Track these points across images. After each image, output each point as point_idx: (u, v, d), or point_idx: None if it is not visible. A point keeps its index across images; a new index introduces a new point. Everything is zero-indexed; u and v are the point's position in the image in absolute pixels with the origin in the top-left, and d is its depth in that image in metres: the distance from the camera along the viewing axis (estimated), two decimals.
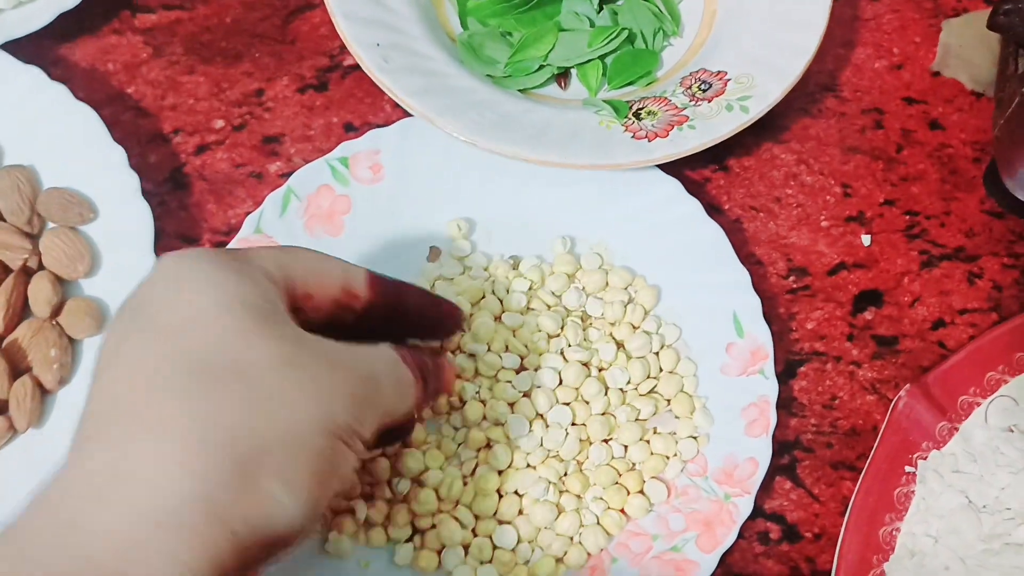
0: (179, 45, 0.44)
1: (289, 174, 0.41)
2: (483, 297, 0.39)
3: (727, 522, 0.35)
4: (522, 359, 0.37)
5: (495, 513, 0.35)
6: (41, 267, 0.38)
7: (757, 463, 0.36)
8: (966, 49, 0.47)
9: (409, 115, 0.41)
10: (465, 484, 0.35)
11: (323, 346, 0.26)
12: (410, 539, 0.35)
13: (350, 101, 0.44)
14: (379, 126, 0.43)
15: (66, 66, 0.43)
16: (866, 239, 0.42)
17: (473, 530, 0.35)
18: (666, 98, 0.41)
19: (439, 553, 0.35)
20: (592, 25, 0.43)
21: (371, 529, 0.35)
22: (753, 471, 0.36)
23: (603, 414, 0.37)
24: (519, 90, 0.42)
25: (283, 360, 0.25)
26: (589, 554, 0.35)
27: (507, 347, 0.38)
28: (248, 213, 0.41)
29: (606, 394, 0.37)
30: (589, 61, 0.42)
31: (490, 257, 0.40)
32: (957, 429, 0.36)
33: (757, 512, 0.37)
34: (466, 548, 0.35)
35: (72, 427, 0.36)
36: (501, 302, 0.39)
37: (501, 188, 0.41)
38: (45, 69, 0.40)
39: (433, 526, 0.35)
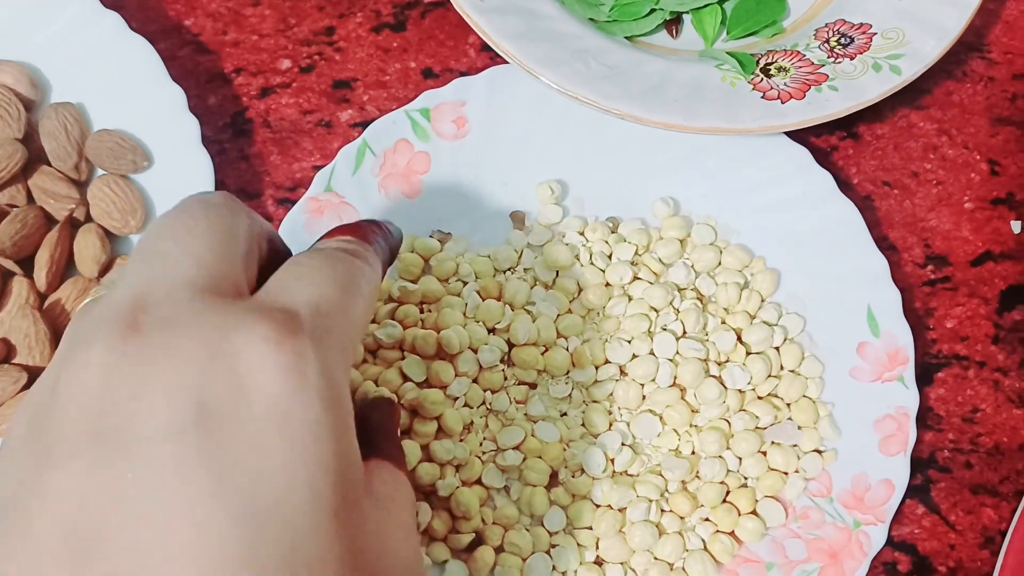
0: None
1: (361, 124, 0.35)
2: (573, 267, 0.32)
3: (856, 554, 0.28)
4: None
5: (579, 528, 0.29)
6: (88, 219, 0.32)
7: (893, 486, 0.29)
8: None
9: (498, 62, 0.34)
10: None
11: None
12: (471, 549, 0.29)
13: (430, 43, 0.37)
14: (462, 73, 0.36)
15: None
16: (1016, 225, 0.35)
17: (551, 542, 0.29)
18: (799, 52, 0.33)
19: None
20: None
21: (432, 543, 0.29)
22: (888, 496, 0.29)
23: (720, 420, 0.30)
24: (625, 37, 0.34)
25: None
26: None
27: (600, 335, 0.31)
28: (316, 167, 0.35)
29: (724, 400, 0.30)
30: (707, 6, 0.35)
31: (585, 221, 0.33)
32: None
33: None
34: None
35: None
36: (603, 272, 0.32)
37: (599, 149, 0.34)
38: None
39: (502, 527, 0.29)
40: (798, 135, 0.33)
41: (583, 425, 0.30)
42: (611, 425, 0.30)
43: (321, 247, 0.22)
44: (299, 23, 0.37)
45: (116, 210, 0.32)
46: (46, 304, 0.31)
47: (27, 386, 0.30)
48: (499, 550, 0.29)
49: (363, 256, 0.22)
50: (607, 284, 0.32)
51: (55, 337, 0.31)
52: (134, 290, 0.18)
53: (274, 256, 0.22)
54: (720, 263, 0.33)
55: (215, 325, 0.17)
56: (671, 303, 0.31)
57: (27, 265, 0.31)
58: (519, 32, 0.31)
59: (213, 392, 0.17)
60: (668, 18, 0.35)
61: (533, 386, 0.31)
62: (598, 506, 0.29)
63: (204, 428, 0.16)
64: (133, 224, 0.32)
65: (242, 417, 0.17)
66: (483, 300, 0.31)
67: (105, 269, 0.32)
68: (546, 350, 0.31)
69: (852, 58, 0.32)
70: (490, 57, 0.36)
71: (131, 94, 0.33)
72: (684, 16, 0.35)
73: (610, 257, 0.32)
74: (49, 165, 0.32)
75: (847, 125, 0.36)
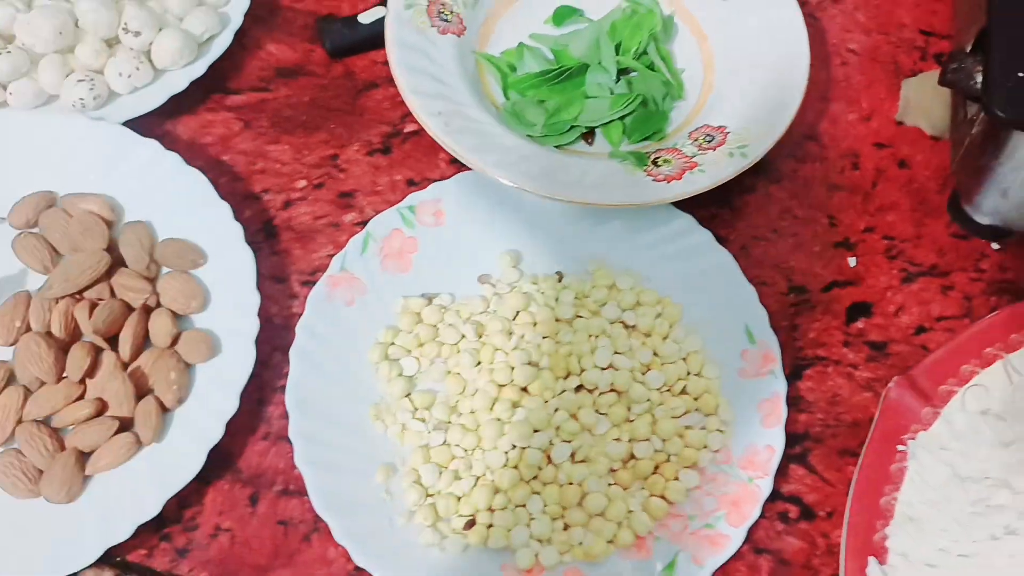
0: (265, 120, 0.48)
1: (362, 223, 0.45)
2: (529, 306, 0.42)
3: (751, 500, 0.38)
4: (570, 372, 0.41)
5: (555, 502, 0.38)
6: (159, 305, 0.42)
7: (774, 449, 0.39)
8: (924, 101, 0.51)
9: (462, 170, 0.45)
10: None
11: None
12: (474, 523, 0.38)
13: (410, 161, 0.48)
14: (435, 180, 0.47)
15: (171, 140, 0.47)
16: (852, 261, 0.46)
17: (531, 515, 0.38)
18: (678, 149, 0.45)
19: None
20: (612, 93, 0.47)
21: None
22: (770, 456, 0.38)
23: (647, 413, 0.40)
24: (555, 146, 0.46)
25: None
26: (636, 535, 0.38)
27: (560, 355, 0.41)
28: (330, 255, 0.45)
29: (648, 397, 0.40)
30: (611, 122, 0.47)
31: (537, 276, 0.44)
32: (940, 413, 0.39)
33: (776, 495, 0.39)
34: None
35: (190, 438, 0.39)
36: (552, 310, 0.42)
37: (542, 225, 0.45)
38: (164, 143, 0.44)
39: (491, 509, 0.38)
40: (689, 208, 0.45)
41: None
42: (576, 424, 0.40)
43: None
44: (310, 153, 0.48)
45: (181, 296, 0.41)
46: (129, 370, 0.40)
47: (118, 432, 0.38)
48: (489, 527, 0.37)
49: None
50: (556, 319, 0.42)
51: (138, 395, 0.39)
52: None
53: None
54: (638, 301, 0.43)
55: None
56: (604, 331, 0.41)
57: (112, 343, 0.40)
58: (477, 146, 0.43)
59: None
60: (584, 131, 0.47)
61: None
62: (563, 486, 0.38)
63: None
64: (195, 305, 0.41)
65: None
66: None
67: (174, 341, 0.40)
68: None
69: (715, 149, 0.44)
70: (456, 168, 0.48)
71: (189, 211, 0.43)
72: (596, 129, 0.47)
73: (557, 300, 0.42)
74: (127, 267, 0.42)
75: (725, 199, 0.47)
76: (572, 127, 0.46)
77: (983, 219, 0.45)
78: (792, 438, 0.41)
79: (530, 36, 0.49)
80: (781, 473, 0.40)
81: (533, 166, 0.43)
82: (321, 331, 0.41)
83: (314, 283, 0.43)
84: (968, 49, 0.44)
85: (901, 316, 0.44)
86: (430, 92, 0.44)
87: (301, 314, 0.42)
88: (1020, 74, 0.40)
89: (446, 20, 0.47)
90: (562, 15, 0.50)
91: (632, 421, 0.40)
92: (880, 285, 0.45)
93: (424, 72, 0.45)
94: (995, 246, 0.47)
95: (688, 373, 0.41)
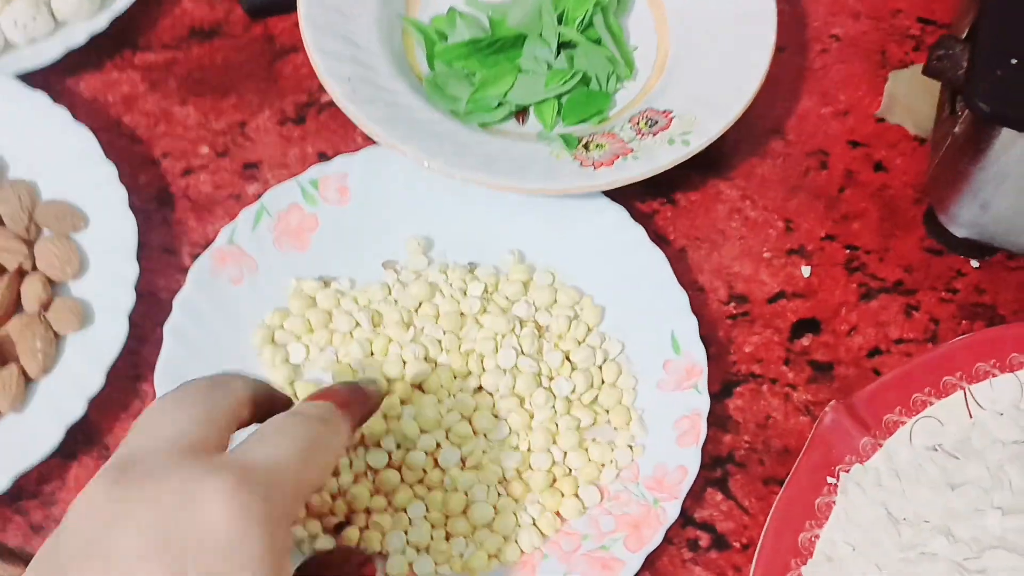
0: (173, 81, 0.49)
1: (262, 194, 0.45)
2: (434, 297, 0.42)
3: (654, 524, 0.36)
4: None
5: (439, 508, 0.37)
6: (34, 269, 0.42)
7: (686, 471, 0.37)
8: (911, 98, 0.50)
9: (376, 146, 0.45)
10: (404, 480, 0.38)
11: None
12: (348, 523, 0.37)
13: (324, 133, 0.48)
14: (347, 153, 0.47)
15: (70, 96, 0.48)
16: (806, 270, 0.45)
17: (410, 520, 0.37)
18: (614, 133, 0.44)
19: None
20: (549, 68, 0.47)
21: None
22: (682, 478, 0.37)
23: (549, 422, 0.39)
24: (480, 124, 0.46)
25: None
26: (523, 552, 0.37)
27: (461, 352, 0.40)
28: (223, 226, 0.45)
29: (553, 405, 0.39)
30: (545, 100, 0.46)
31: (446, 265, 0.43)
32: (881, 445, 0.38)
33: (688, 521, 0.38)
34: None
35: (50, 413, 0.39)
36: (458, 304, 0.41)
37: (457, 211, 0.44)
38: (51, 96, 0.44)
39: (368, 511, 0.37)
40: (625, 200, 0.44)
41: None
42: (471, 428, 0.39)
43: (300, 411, 0.30)
44: (217, 118, 0.48)
45: (57, 260, 0.42)
46: None
47: None
48: (363, 529, 0.37)
49: (332, 424, 0.29)
50: (461, 314, 0.41)
51: (2, 362, 0.39)
52: (127, 449, 0.27)
53: (270, 407, 0.30)
54: (555, 300, 0.42)
55: (185, 477, 0.25)
56: (512, 330, 0.41)
57: None
58: (387, 117, 0.43)
59: (177, 527, 0.24)
60: (515, 110, 0.46)
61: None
62: (448, 492, 0.38)
63: (169, 553, 0.24)
64: (70, 272, 0.42)
65: (198, 547, 0.24)
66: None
67: (45, 307, 0.41)
68: None
69: (655, 135, 0.44)
70: (370, 143, 0.47)
71: (73, 171, 0.43)
72: (529, 108, 0.47)
73: (465, 293, 0.42)
74: (4, 226, 0.42)
75: (666, 193, 0.46)
76: (501, 104, 0.46)
77: (960, 232, 0.44)
78: (713, 460, 0.40)
79: (465, 2, 0.49)
80: (695, 498, 0.39)
81: (446, 143, 0.42)
82: (201, 308, 0.41)
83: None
84: (963, 36, 0.43)
85: (854, 336, 0.43)
86: (341, 54, 0.44)
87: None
88: (1013, 60, 0.38)
89: None
90: None
91: (532, 430, 0.39)
92: (834, 300, 0.44)
93: (337, 32, 0.45)
94: (974, 264, 0.45)
95: (602, 382, 0.40)
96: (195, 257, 0.44)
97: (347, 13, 0.46)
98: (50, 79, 0.47)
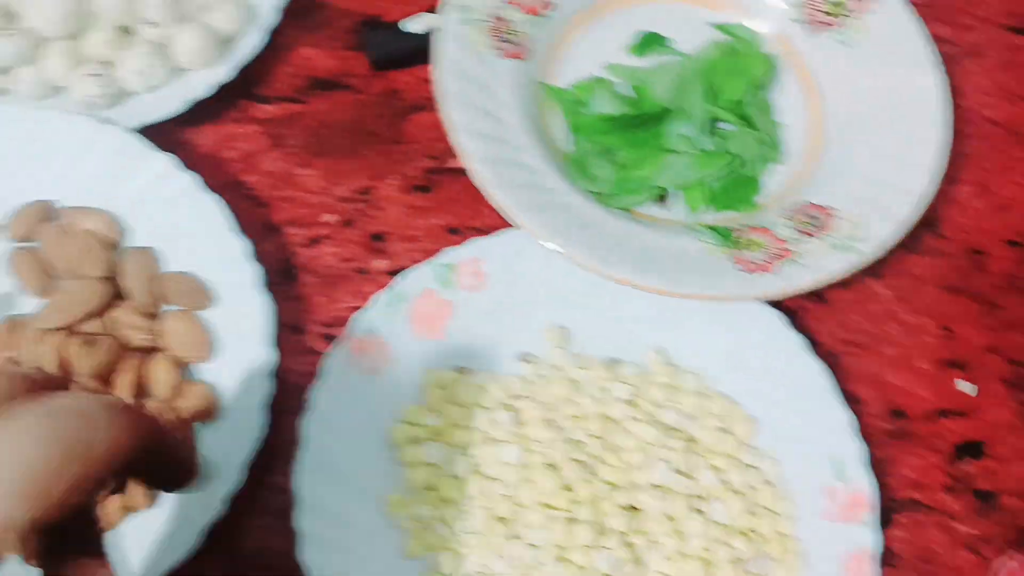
0: (296, 138, 0.46)
1: (393, 272, 0.43)
2: (576, 395, 0.39)
3: None
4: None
5: None
6: (160, 348, 0.39)
7: None
8: None
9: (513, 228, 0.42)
10: None
11: None
12: None
13: (453, 204, 0.45)
14: (479, 230, 0.44)
15: (189, 150, 0.45)
16: (968, 386, 0.42)
17: None
18: (768, 228, 0.41)
19: None
20: (697, 149, 0.44)
21: None
22: None
23: (703, 549, 0.37)
24: (622, 207, 0.43)
25: None
26: None
27: (607, 463, 0.38)
28: (354, 307, 0.42)
29: (707, 530, 0.37)
30: (691, 185, 0.43)
31: (585, 360, 0.41)
32: None
33: None
34: None
35: (185, 510, 0.37)
36: (603, 404, 0.39)
37: (597, 301, 0.42)
38: (174, 153, 0.42)
39: None
40: None
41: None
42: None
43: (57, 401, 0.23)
44: (342, 182, 0.45)
45: (188, 342, 0.39)
46: None
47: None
48: None
49: (89, 417, 0.22)
50: (606, 416, 0.39)
51: None
52: None
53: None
54: (704, 409, 0.40)
55: None
56: (661, 442, 0.38)
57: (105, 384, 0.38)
58: (530, 204, 0.40)
59: None
60: (660, 193, 0.44)
61: None
62: None
63: None
64: (200, 355, 0.39)
65: None
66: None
67: (175, 393, 0.38)
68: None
69: (816, 236, 0.41)
70: (503, 221, 0.44)
71: (201, 242, 0.41)
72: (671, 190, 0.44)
73: (607, 392, 0.39)
74: (127, 300, 0.40)
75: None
76: (646, 187, 0.43)
77: None
78: None
79: (606, 67, 0.46)
80: None
81: (594, 235, 0.40)
82: (339, 402, 0.39)
83: (334, 338, 0.41)
84: None
85: (1018, 464, 0.41)
86: (483, 132, 0.41)
87: (316, 374, 0.39)
88: None
89: (509, 41, 0.44)
90: (646, 43, 0.47)
91: (685, 557, 0.37)
92: (998, 420, 0.41)
93: (477, 106, 0.42)
94: None
95: (757, 507, 0.38)
96: (321, 336, 0.42)
97: (486, 83, 0.43)
98: (164, 129, 0.44)
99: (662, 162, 0.43)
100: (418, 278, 0.41)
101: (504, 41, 0.44)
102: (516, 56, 0.44)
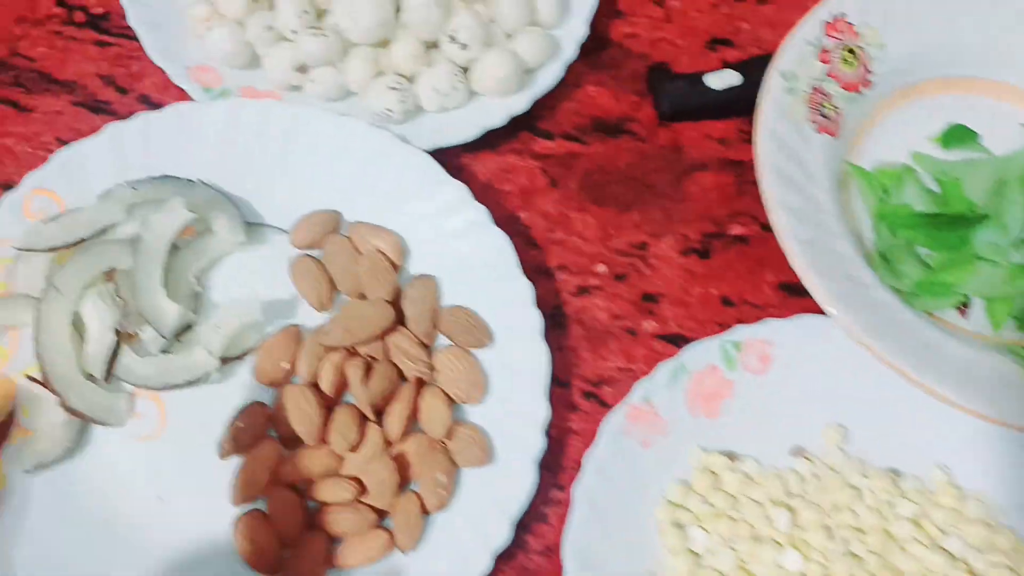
0: (574, 180, 0.44)
1: (664, 336, 0.41)
2: (854, 503, 0.37)
3: None
4: None
5: None
6: (432, 382, 0.38)
7: None
8: None
9: (790, 302, 0.40)
10: None
11: None
12: None
13: (729, 274, 0.43)
14: (754, 305, 0.42)
15: (467, 177, 0.44)
16: None
17: None
18: None
19: None
20: (1006, 258, 0.41)
21: None
22: None
23: None
24: (923, 309, 0.40)
25: None
26: None
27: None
28: (620, 368, 0.41)
29: None
30: (1000, 297, 0.41)
31: (866, 465, 0.39)
32: None
33: None
34: None
35: (451, 561, 0.35)
36: (884, 519, 0.37)
37: (882, 403, 0.39)
38: (460, 180, 0.41)
39: None
40: None
41: None
42: None
43: None
44: (617, 234, 0.44)
45: (463, 381, 0.38)
46: (393, 452, 0.37)
47: (375, 527, 0.35)
48: None
49: None
50: (888, 533, 0.37)
51: (400, 485, 0.36)
52: None
53: None
54: (991, 543, 0.37)
55: None
56: (944, 573, 0.36)
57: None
58: (843, 294, 0.38)
59: None
60: (963, 301, 0.41)
61: None
62: None
63: None
64: (475, 396, 0.38)
65: None
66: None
67: (449, 432, 0.37)
68: None
69: None
70: (783, 296, 0.43)
71: (485, 279, 0.39)
72: (975, 298, 0.41)
73: (890, 506, 0.37)
74: (406, 327, 0.39)
75: None
76: (951, 292, 0.41)
77: None
78: None
79: (912, 155, 0.44)
80: None
81: (906, 337, 0.37)
82: (612, 471, 0.37)
83: (597, 396, 0.40)
84: None
85: None
86: (798, 209, 0.39)
87: (578, 432, 0.38)
88: None
89: (825, 115, 0.42)
90: (954, 136, 0.44)
91: None
92: None
93: (793, 181, 0.40)
94: None
95: None
96: (584, 394, 0.40)
97: (801, 157, 0.41)
98: (446, 152, 0.43)
99: (972, 270, 0.41)
100: (705, 352, 0.39)
101: (821, 115, 0.42)
102: (828, 132, 0.42)
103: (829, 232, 0.40)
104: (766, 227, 0.44)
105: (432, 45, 0.43)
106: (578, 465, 0.39)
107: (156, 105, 0.45)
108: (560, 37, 0.45)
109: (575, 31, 0.45)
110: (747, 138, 0.46)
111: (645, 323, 0.42)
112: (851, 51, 0.43)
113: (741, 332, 0.40)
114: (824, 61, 0.42)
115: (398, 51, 0.42)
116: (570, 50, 0.44)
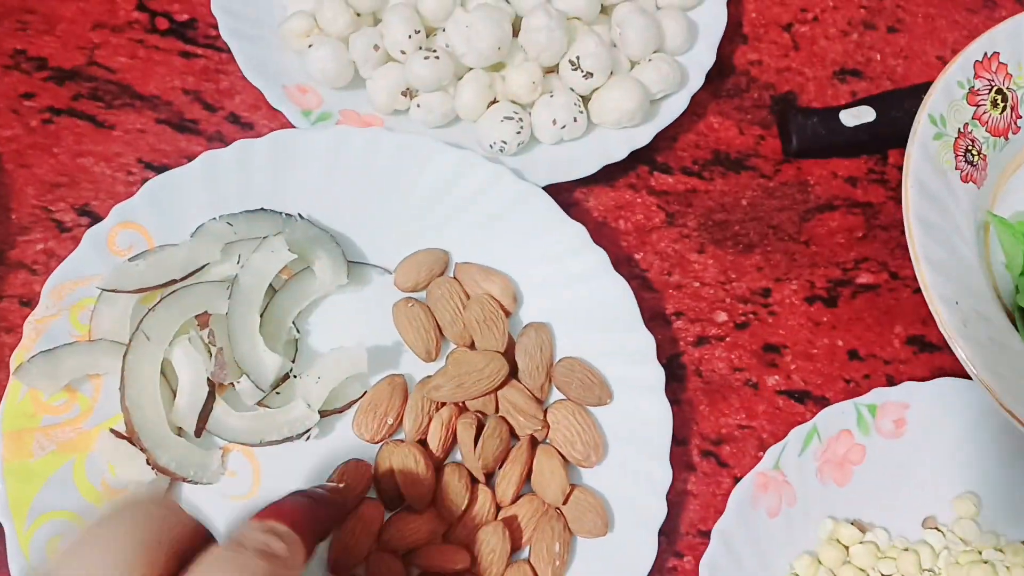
0: (693, 218, 0.42)
1: (787, 392, 0.39)
2: None
3: None
4: None
5: None
6: (545, 440, 0.36)
7: None
8: None
9: (920, 356, 0.38)
10: None
11: None
12: None
13: (857, 326, 0.41)
14: (882, 360, 0.40)
15: (580, 214, 0.41)
16: None
17: None
18: None
19: None
20: None
21: None
22: None
23: None
24: None
25: None
26: None
27: None
28: (740, 425, 0.39)
29: None
30: None
31: (1000, 539, 0.36)
32: None
33: None
34: None
35: None
36: None
37: (1015, 476, 0.37)
38: (573, 217, 0.38)
39: None
40: None
41: None
42: None
43: (242, 540, 0.24)
44: (738, 278, 0.41)
45: (580, 442, 0.36)
46: (501, 515, 0.35)
47: None
48: None
49: (279, 558, 0.24)
50: None
51: (509, 555, 0.34)
52: None
53: (204, 545, 0.25)
54: None
55: None
56: None
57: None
58: (991, 361, 0.35)
59: None
60: None
61: None
62: None
63: None
64: (594, 459, 0.36)
65: None
66: None
67: (566, 498, 0.35)
68: None
69: None
70: (913, 350, 0.40)
71: (602, 327, 0.37)
72: None
73: None
74: (518, 380, 0.36)
75: None
76: None
77: None
78: None
79: None
80: None
81: None
82: (737, 541, 0.35)
83: (716, 456, 0.37)
84: None
85: None
86: (945, 265, 0.36)
87: (696, 494, 0.37)
88: None
89: (971, 163, 0.39)
90: None
91: None
92: None
93: (940, 234, 0.37)
94: None
95: None
96: (701, 453, 0.38)
97: (947, 207, 0.38)
98: (558, 185, 0.40)
99: None
100: (839, 416, 0.37)
101: (967, 162, 0.39)
102: (971, 180, 0.39)
103: (972, 290, 0.37)
104: (896, 275, 0.41)
105: (550, 70, 0.41)
106: (696, 531, 0.37)
107: (246, 126, 0.42)
108: (686, 64, 0.42)
109: (702, 58, 0.42)
110: (876, 178, 0.43)
111: (768, 378, 0.40)
112: (1001, 93, 0.40)
113: (877, 396, 0.37)
114: (972, 103, 0.39)
115: (515, 78, 0.39)
116: (697, 79, 0.41)
